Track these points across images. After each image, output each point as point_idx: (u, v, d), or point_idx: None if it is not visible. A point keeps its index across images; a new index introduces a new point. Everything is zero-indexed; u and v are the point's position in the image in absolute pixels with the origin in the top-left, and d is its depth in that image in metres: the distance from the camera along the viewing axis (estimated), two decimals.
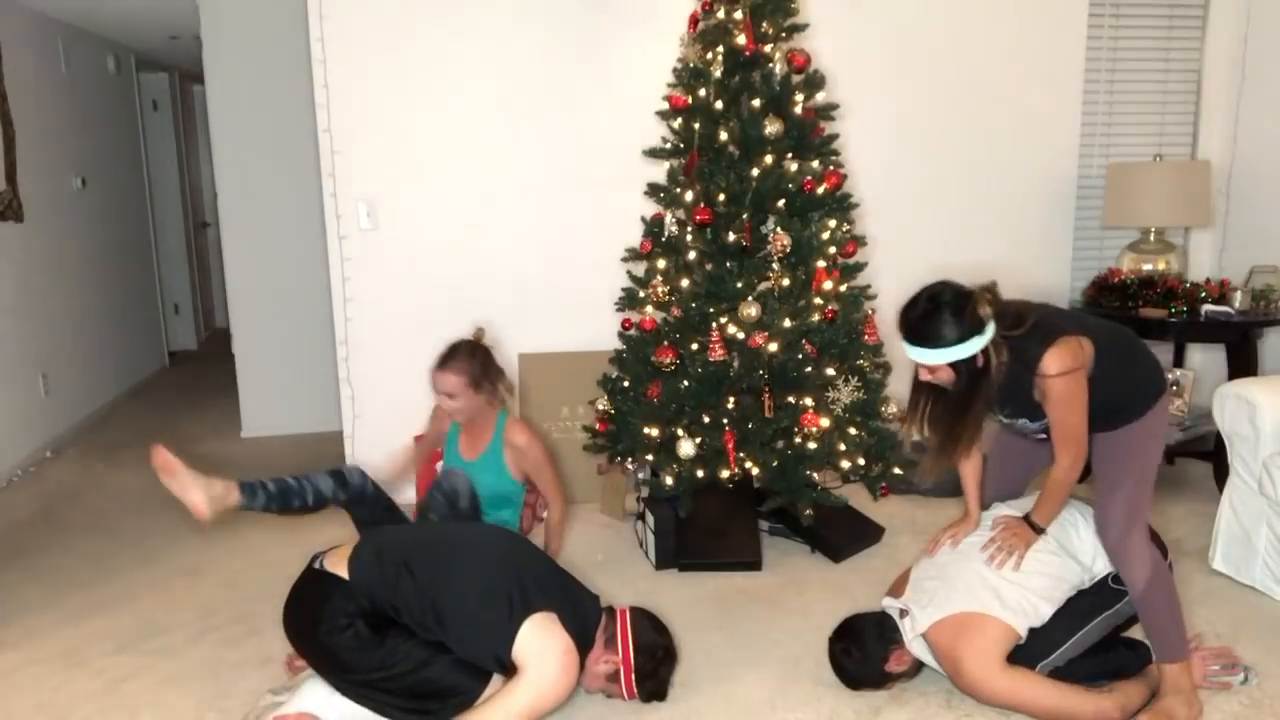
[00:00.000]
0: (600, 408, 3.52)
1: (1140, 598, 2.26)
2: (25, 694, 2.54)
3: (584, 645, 2.19)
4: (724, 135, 3.20)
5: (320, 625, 2.12)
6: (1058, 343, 2.16)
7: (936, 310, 2.15)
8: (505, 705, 2.04)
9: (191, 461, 2.46)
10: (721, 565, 3.24)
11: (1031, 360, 2.17)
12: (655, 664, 2.29)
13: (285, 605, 2.27)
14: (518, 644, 2.07)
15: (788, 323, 3.10)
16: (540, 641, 2.07)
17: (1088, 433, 2.25)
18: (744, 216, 3.16)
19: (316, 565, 2.26)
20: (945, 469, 2.42)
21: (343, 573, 2.18)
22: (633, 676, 2.25)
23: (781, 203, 3.19)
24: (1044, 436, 2.34)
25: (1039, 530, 2.36)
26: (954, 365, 2.17)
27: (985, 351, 2.15)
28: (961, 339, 2.13)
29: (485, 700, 2.11)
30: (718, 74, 3.22)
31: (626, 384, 3.45)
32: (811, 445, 3.13)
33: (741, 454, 3.16)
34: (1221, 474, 3.38)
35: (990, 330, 2.15)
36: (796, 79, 3.22)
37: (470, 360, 2.90)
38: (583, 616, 2.22)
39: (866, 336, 3.30)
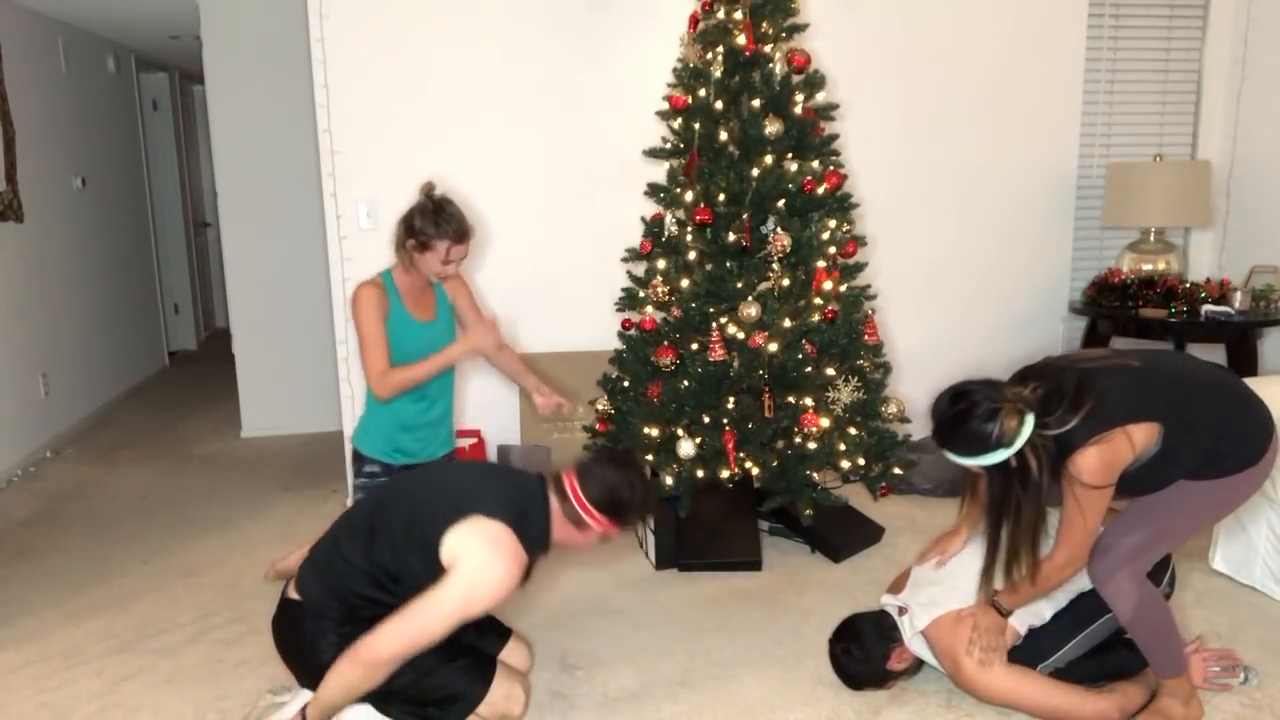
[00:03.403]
0: (600, 408, 3.52)
1: (1127, 624, 2.20)
2: (26, 694, 2.54)
3: (533, 534, 2.05)
4: (724, 135, 3.20)
5: (309, 654, 2.08)
6: (1102, 440, 1.97)
7: (962, 417, 1.98)
8: (436, 597, 1.92)
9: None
10: (721, 565, 3.24)
11: (1068, 449, 1.99)
12: (629, 501, 2.11)
13: (274, 640, 2.23)
14: (445, 546, 1.96)
15: (788, 323, 3.10)
16: (468, 534, 1.97)
17: (1092, 540, 2.11)
18: (744, 216, 3.16)
19: (287, 592, 2.19)
20: (1026, 589, 2.16)
21: (296, 595, 2.13)
22: (618, 527, 2.13)
23: (781, 203, 3.19)
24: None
25: (1005, 613, 2.24)
26: (989, 470, 2.02)
27: (1022, 454, 1.97)
28: (989, 450, 1.97)
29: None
30: (718, 74, 3.22)
31: (626, 384, 3.45)
32: (811, 445, 3.13)
33: (741, 454, 3.16)
34: None
35: (1023, 437, 1.96)
36: (796, 79, 3.22)
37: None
38: (522, 508, 2.06)
39: (866, 336, 3.30)
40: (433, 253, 2.69)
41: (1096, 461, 1.99)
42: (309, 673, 2.12)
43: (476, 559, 1.93)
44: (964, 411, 1.99)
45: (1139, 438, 2.01)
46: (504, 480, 2.13)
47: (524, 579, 2.04)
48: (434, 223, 2.70)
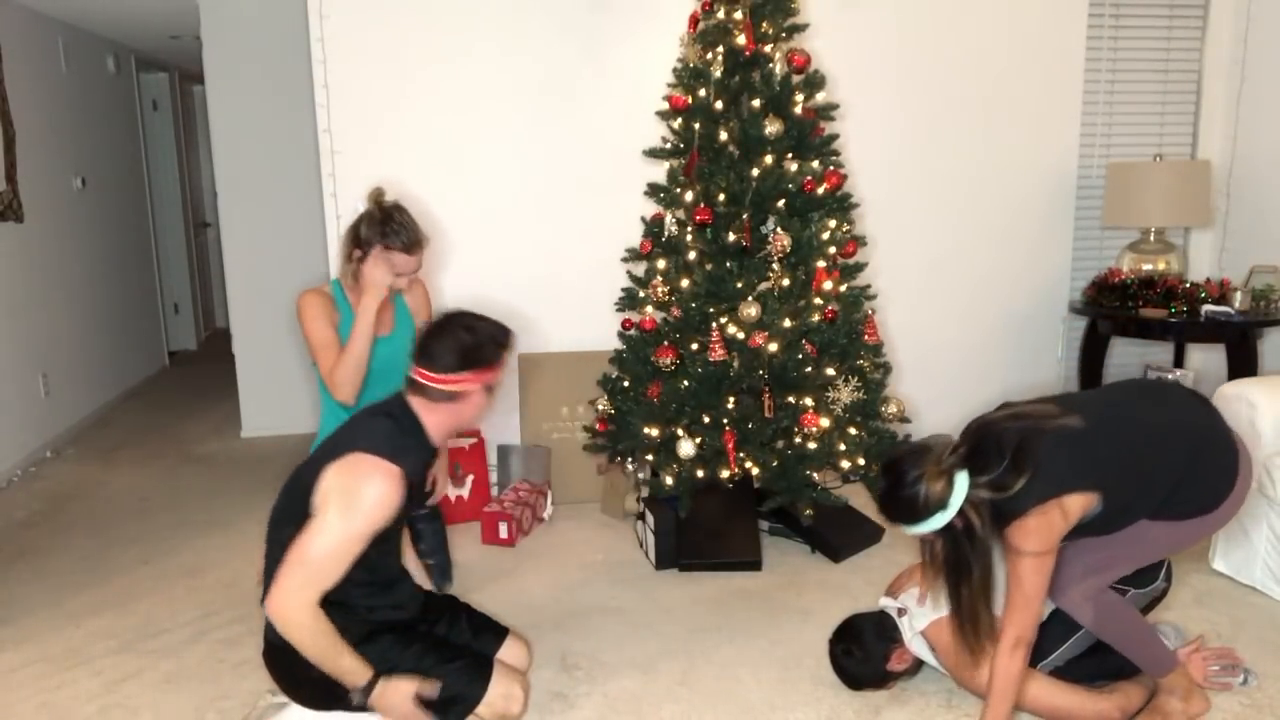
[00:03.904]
0: (600, 408, 3.52)
1: (1094, 633, 2.19)
2: (26, 694, 2.54)
3: (403, 445, 1.99)
4: (724, 135, 3.20)
5: (301, 672, 2.03)
6: (1037, 513, 1.95)
7: (893, 489, 1.99)
8: (315, 530, 1.88)
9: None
10: (721, 565, 3.24)
11: (1004, 519, 1.97)
12: (477, 343, 2.04)
13: (272, 677, 2.19)
14: (315, 499, 1.92)
15: (788, 323, 3.10)
16: (328, 476, 1.92)
17: (1041, 606, 2.01)
18: (744, 216, 3.16)
19: (264, 634, 2.16)
20: (997, 702, 2.05)
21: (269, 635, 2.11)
22: (490, 373, 2.05)
23: (781, 203, 3.19)
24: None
25: None
26: (938, 534, 2.01)
27: (964, 514, 1.96)
28: (927, 515, 1.96)
29: None
30: (718, 74, 3.22)
31: (626, 384, 3.45)
32: (811, 445, 3.13)
33: (741, 454, 3.16)
34: None
35: (956, 499, 1.95)
36: (796, 79, 3.22)
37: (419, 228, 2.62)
38: (379, 430, 1.99)
39: (866, 336, 3.30)
40: (385, 264, 2.55)
41: (1032, 530, 1.96)
42: (309, 691, 2.10)
43: (339, 486, 1.90)
44: (893, 483, 1.99)
45: (1074, 507, 1.99)
46: (364, 418, 2.08)
47: (416, 493, 1.98)
48: (380, 233, 2.54)
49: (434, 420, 2.06)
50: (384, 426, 2.02)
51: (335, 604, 1.98)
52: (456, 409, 2.06)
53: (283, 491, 2.07)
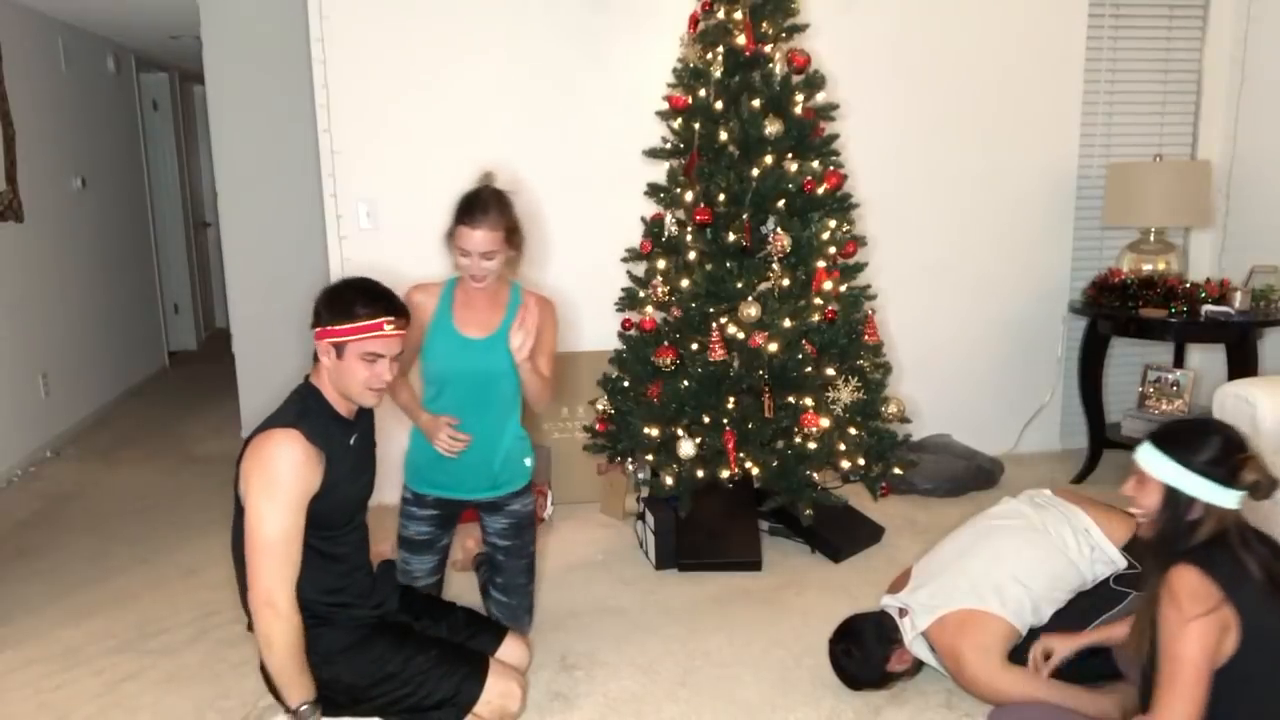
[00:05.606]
0: (600, 408, 3.52)
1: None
2: (25, 694, 2.54)
3: (304, 412, 2.01)
4: (724, 135, 3.20)
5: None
6: (1186, 570, 1.71)
7: (1203, 433, 1.79)
8: (250, 515, 1.90)
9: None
10: (721, 565, 3.24)
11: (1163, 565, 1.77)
12: (329, 300, 2.03)
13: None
14: (240, 486, 1.95)
15: (788, 323, 3.10)
16: (244, 459, 1.96)
17: (1202, 692, 1.68)
18: (744, 216, 3.16)
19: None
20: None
21: None
22: (341, 335, 2.00)
23: (781, 203, 3.19)
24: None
25: None
26: (1166, 496, 1.79)
27: (1208, 510, 1.74)
28: (1199, 469, 1.74)
29: None
30: (718, 74, 3.22)
31: (626, 384, 3.45)
32: (811, 445, 3.13)
33: (741, 454, 3.16)
34: None
35: (1230, 497, 1.73)
36: (796, 79, 3.22)
37: (505, 211, 2.43)
38: (283, 412, 2.02)
39: (866, 336, 3.30)
40: (455, 242, 2.41)
41: (1177, 583, 1.74)
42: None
43: (252, 469, 1.92)
44: (1207, 430, 1.82)
45: (1215, 621, 1.69)
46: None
47: (336, 451, 1.99)
48: (456, 209, 2.40)
49: (324, 385, 2.07)
50: (286, 404, 2.06)
51: (317, 617, 1.99)
52: (330, 371, 2.05)
53: (234, 518, 2.06)
